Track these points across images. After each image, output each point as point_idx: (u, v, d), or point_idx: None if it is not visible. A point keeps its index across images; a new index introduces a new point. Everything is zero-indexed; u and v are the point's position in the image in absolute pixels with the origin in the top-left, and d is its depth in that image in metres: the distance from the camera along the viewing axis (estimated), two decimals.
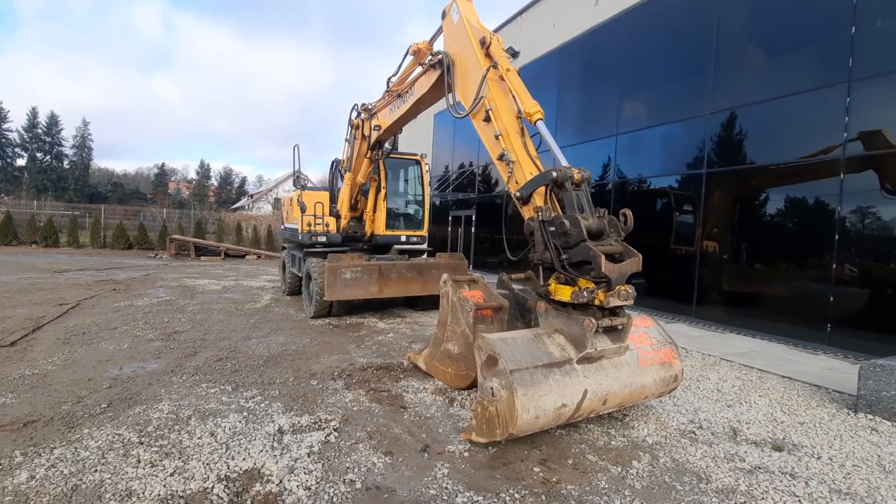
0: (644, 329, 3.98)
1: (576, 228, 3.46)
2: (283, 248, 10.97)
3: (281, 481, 2.77)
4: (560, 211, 3.87)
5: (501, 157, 4.41)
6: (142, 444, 3.15)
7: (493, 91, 4.61)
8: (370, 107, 8.09)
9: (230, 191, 63.58)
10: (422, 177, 9.67)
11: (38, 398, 3.88)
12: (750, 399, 4.53)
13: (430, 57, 5.71)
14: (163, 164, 58.05)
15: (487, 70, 4.64)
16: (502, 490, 2.81)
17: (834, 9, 6.62)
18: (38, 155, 46.31)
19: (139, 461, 2.92)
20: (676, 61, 9.28)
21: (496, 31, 15.24)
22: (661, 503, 2.75)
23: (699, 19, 8.70)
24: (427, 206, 9.60)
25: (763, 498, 2.82)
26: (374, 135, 7.80)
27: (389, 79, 7.52)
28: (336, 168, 10.29)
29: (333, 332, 6.91)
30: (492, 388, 3.18)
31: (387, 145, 8.55)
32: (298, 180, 9.43)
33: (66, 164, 48.48)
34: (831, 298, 6.52)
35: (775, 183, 7.58)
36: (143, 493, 2.60)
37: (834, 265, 6.51)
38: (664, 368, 3.85)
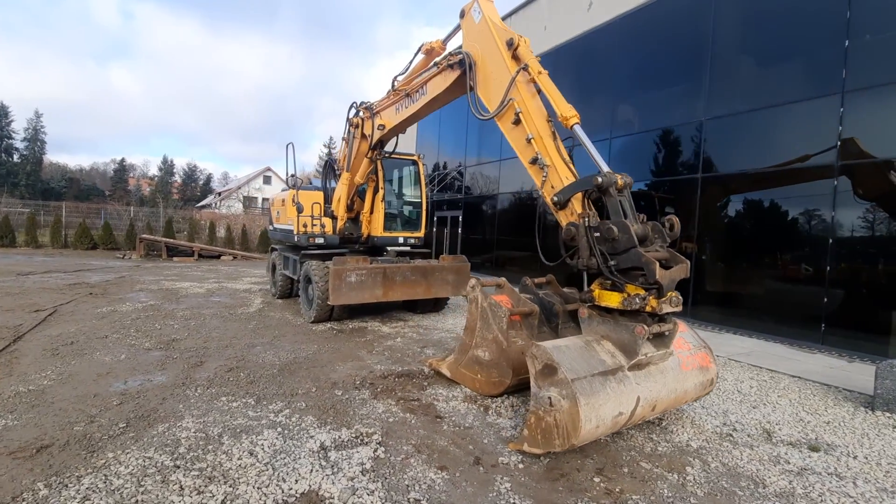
0: (680, 334, 4.00)
1: (625, 234, 3.44)
2: (273, 249, 10.58)
3: None
4: (597, 216, 3.86)
5: (534, 161, 4.34)
6: (178, 467, 2.91)
7: (522, 93, 4.55)
8: (372, 105, 7.89)
9: (195, 188, 61.17)
10: (419, 177, 9.51)
11: (44, 418, 3.55)
12: (771, 400, 4.65)
13: (447, 56, 5.58)
14: (122, 160, 55.19)
15: (517, 72, 4.57)
16: (570, 503, 2.75)
17: (828, 22, 6.91)
18: None
19: (182, 488, 2.69)
20: (671, 67, 9.50)
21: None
22: None
23: (694, 27, 8.92)
24: (425, 208, 9.46)
25: (821, 500, 2.88)
26: (378, 134, 7.59)
27: (396, 78, 7.36)
28: (330, 167, 10.03)
29: (339, 337, 6.69)
30: (549, 398, 3.11)
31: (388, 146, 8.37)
32: (293, 179, 9.10)
33: (16, 157, 45.37)
34: (825, 299, 6.81)
35: (769, 187, 7.86)
36: None
37: (828, 267, 6.80)
38: (702, 373, 3.89)
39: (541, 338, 4.54)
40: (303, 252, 8.43)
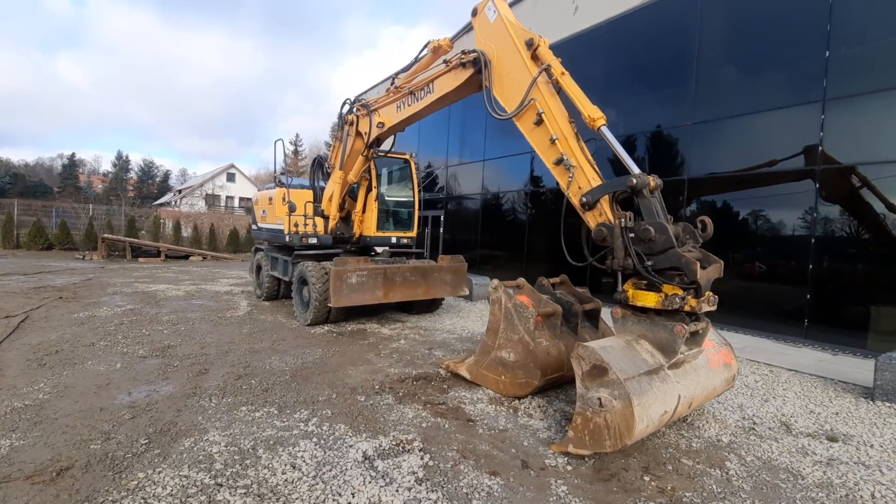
0: None
1: (664, 235, 3.49)
2: (258, 249, 10.18)
3: None
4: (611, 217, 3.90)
5: (559, 162, 4.35)
6: (221, 486, 2.72)
7: (543, 93, 4.55)
8: (368, 103, 7.72)
9: (152, 185, 58.26)
10: (411, 177, 9.40)
11: (53, 437, 3.25)
12: (778, 393, 4.86)
13: (459, 55, 5.51)
14: (73, 155, 51.83)
15: (539, 73, 4.56)
16: None
17: (809, 34, 7.29)
18: None
19: None
20: (657, 73, 9.78)
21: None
22: (781, 502, 2.84)
23: (680, 34, 9.22)
24: (417, 207, 9.35)
25: (858, 488, 3.02)
26: (376, 132, 7.43)
27: (396, 75, 7.24)
28: (318, 166, 9.75)
29: (341, 340, 6.51)
30: (599, 399, 3.12)
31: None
32: (283, 177, 8.79)
33: None
34: (808, 296, 7.20)
35: (753, 188, 8.23)
36: None
37: (810, 266, 7.19)
38: (726, 369, 4.01)
39: (562, 338, 4.57)
40: (296, 253, 8.15)
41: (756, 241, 8.15)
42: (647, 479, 3.07)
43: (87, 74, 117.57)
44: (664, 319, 3.49)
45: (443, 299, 9.01)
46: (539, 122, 4.54)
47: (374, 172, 8.65)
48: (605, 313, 4.58)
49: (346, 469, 2.96)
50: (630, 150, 10.29)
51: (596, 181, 4.15)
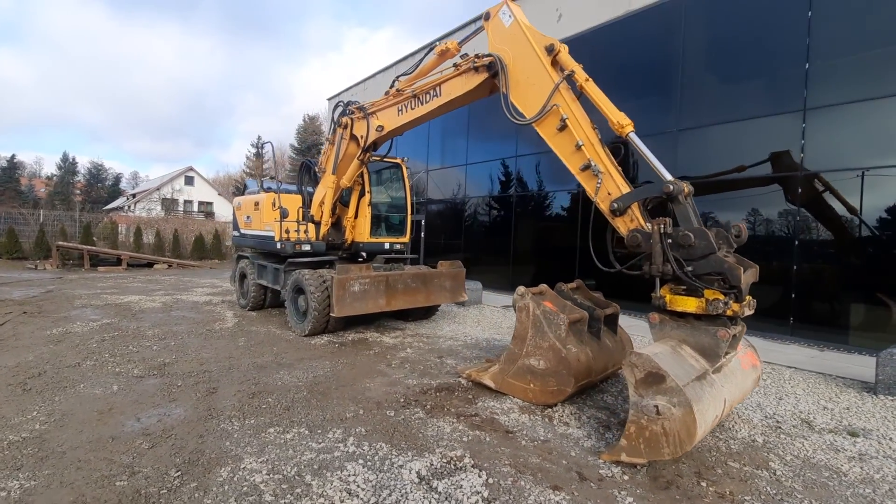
0: None
1: (704, 241, 3.54)
2: (242, 257, 9.70)
3: None
4: (644, 223, 3.95)
5: (586, 168, 4.35)
6: None
7: (567, 99, 4.55)
8: (364, 106, 7.52)
9: (101, 189, 54.78)
10: (403, 181, 9.23)
11: (68, 474, 2.91)
12: (788, 390, 5.05)
13: (472, 58, 5.44)
14: (13, 157, 47.99)
15: (562, 79, 4.56)
16: None
17: (790, 46, 7.69)
18: None
19: None
20: (639, 80, 10.07)
21: (445, 37, 15.23)
22: (835, 502, 2.91)
23: (665, 42, 9.53)
24: (409, 212, 9.19)
25: None
26: (375, 136, 7.24)
27: (397, 78, 7.08)
28: (306, 170, 9.43)
29: (345, 351, 6.27)
30: (656, 407, 3.11)
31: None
32: (273, 182, 8.41)
33: None
34: (793, 295, 7.57)
35: (734, 191, 8.60)
36: None
37: (795, 267, 7.57)
38: (754, 371, 4.11)
39: (587, 344, 4.57)
40: (289, 260, 7.82)
41: (755, 242, 8.49)
42: (703, 484, 3.08)
43: (29, 70, 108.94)
44: (705, 324, 3.54)
45: (438, 306, 8.88)
46: (563, 127, 4.54)
47: (366, 177, 8.43)
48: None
49: (407, 492, 2.81)
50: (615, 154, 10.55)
51: (624, 187, 4.18)
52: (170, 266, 17.88)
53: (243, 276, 9.51)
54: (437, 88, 6.09)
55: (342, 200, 8.64)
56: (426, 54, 6.45)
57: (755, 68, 8.26)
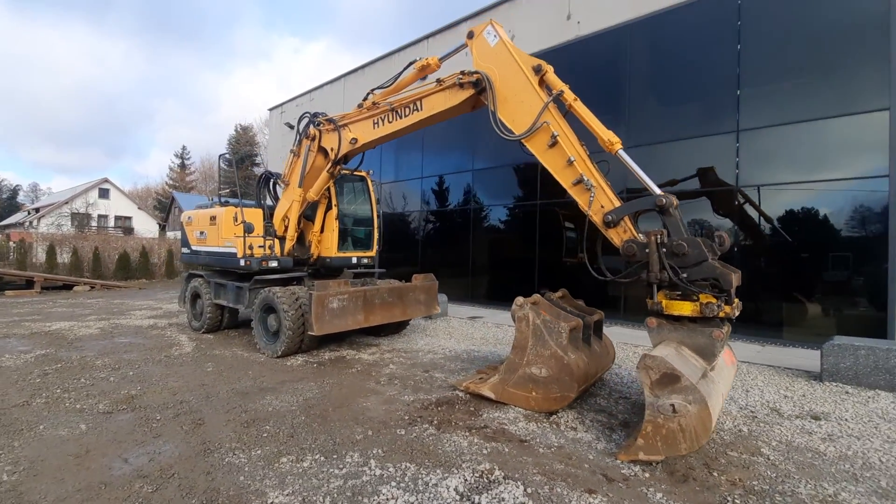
0: None
1: (696, 250, 3.87)
2: (194, 275, 9.01)
3: None
4: (636, 233, 4.27)
5: (579, 182, 4.59)
6: None
7: (556, 117, 4.79)
8: (333, 118, 7.38)
9: None
10: (369, 195, 9.11)
11: None
12: (750, 383, 5.59)
13: (458, 75, 5.55)
14: None
15: (552, 98, 4.80)
16: (725, 501, 2.99)
17: (722, 73, 8.63)
18: None
19: None
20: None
21: (400, 50, 15.32)
22: (825, 479, 3.27)
23: (612, 67, 10.28)
24: (376, 226, 9.06)
25: (867, 456, 3.61)
26: (347, 148, 7.11)
27: (372, 91, 7.04)
28: (265, 182, 9.02)
29: (326, 371, 6.03)
30: (672, 405, 3.33)
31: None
32: (231, 195, 7.93)
33: None
34: None
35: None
36: None
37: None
38: (733, 367, 4.53)
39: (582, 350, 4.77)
40: (256, 278, 7.39)
41: None
42: (715, 474, 3.33)
43: None
44: (700, 326, 3.85)
45: (409, 320, 8.80)
46: (553, 144, 4.76)
47: (332, 190, 8.23)
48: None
49: None
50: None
51: (615, 201, 4.46)
52: (92, 287, 16.13)
53: (196, 297, 8.84)
54: (418, 103, 6.13)
55: (305, 214, 8.35)
56: (405, 68, 6.49)
57: (692, 92, 9.16)
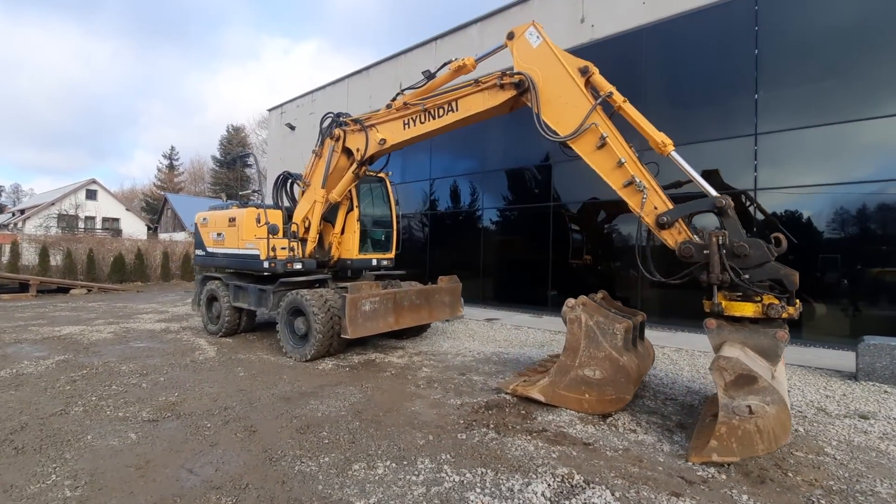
0: None
1: (758, 251, 3.89)
2: (209, 278, 8.82)
3: None
4: (692, 235, 4.29)
5: (630, 184, 4.58)
6: None
7: (604, 118, 4.78)
8: (359, 118, 7.30)
9: None
10: (388, 196, 9.02)
11: None
12: (789, 384, 5.63)
13: (499, 75, 5.51)
14: None
15: (601, 99, 4.79)
16: (809, 502, 2.99)
17: (739, 78, 8.74)
18: None
19: None
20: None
21: (406, 52, 15.25)
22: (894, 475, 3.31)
23: (627, 71, 10.35)
24: (395, 228, 8.98)
25: None
26: (375, 149, 7.05)
27: (401, 92, 6.98)
28: (283, 183, 8.89)
29: (361, 375, 5.93)
30: (749, 407, 3.32)
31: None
32: (257, 196, 7.76)
33: None
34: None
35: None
36: None
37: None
38: (785, 368, 4.55)
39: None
40: (281, 280, 7.25)
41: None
42: (790, 475, 3.33)
43: None
44: (762, 327, 3.87)
45: (430, 323, 8.72)
46: (602, 145, 4.75)
47: (354, 192, 8.14)
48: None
49: None
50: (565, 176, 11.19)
51: (668, 202, 4.47)
52: (89, 291, 15.70)
53: (212, 300, 8.65)
54: (454, 104, 6.08)
55: (323, 216, 8.23)
56: (439, 69, 6.44)
57: (708, 96, 9.27)
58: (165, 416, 4.31)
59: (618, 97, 4.80)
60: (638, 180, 4.53)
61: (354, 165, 7.34)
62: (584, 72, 4.98)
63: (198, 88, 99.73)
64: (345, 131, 7.45)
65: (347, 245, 8.28)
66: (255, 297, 7.75)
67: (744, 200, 8.61)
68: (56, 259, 18.40)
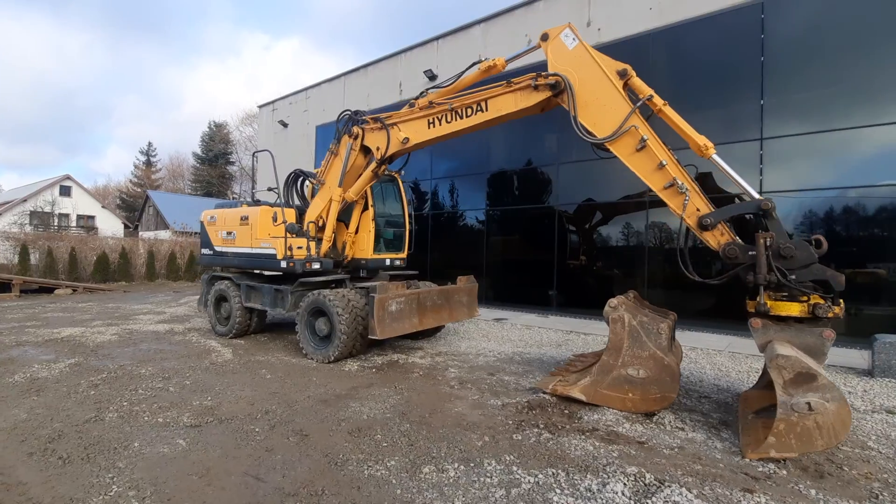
0: None
1: (804, 252, 4.01)
2: (217, 277, 8.58)
3: None
4: (734, 236, 4.41)
5: (671, 186, 4.66)
6: None
7: (642, 121, 4.85)
8: (381, 116, 7.21)
9: None
10: (400, 195, 8.96)
11: None
12: None
13: (534, 77, 5.52)
14: None
15: (641, 102, 4.86)
16: (877, 496, 3.09)
17: (745, 84, 8.99)
18: None
19: None
20: None
21: (406, 51, 15.16)
22: None
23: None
24: (408, 228, 8.92)
25: None
26: (396, 148, 6.98)
27: (426, 91, 6.93)
28: (295, 181, 8.71)
29: (390, 376, 5.87)
30: (808, 404, 3.42)
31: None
32: (271, 193, 7.60)
33: None
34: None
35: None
36: None
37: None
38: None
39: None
40: (300, 280, 7.11)
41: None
42: (844, 469, 3.45)
43: None
44: (808, 326, 3.99)
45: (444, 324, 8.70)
46: (642, 148, 4.82)
47: (369, 191, 8.05)
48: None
49: None
50: (609, 171, 11.34)
51: (710, 204, 4.56)
52: (74, 291, 15.09)
53: (221, 300, 8.42)
54: (483, 104, 6.06)
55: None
56: (468, 68, 6.41)
57: (714, 101, 9.50)
58: (207, 422, 4.18)
59: (658, 100, 4.88)
60: (679, 182, 4.61)
61: (374, 164, 7.26)
62: (622, 74, 5.04)
63: (175, 83, 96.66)
64: (363, 129, 7.35)
65: (362, 245, 8.19)
66: (269, 297, 7.58)
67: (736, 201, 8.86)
68: (35, 257, 17.61)
